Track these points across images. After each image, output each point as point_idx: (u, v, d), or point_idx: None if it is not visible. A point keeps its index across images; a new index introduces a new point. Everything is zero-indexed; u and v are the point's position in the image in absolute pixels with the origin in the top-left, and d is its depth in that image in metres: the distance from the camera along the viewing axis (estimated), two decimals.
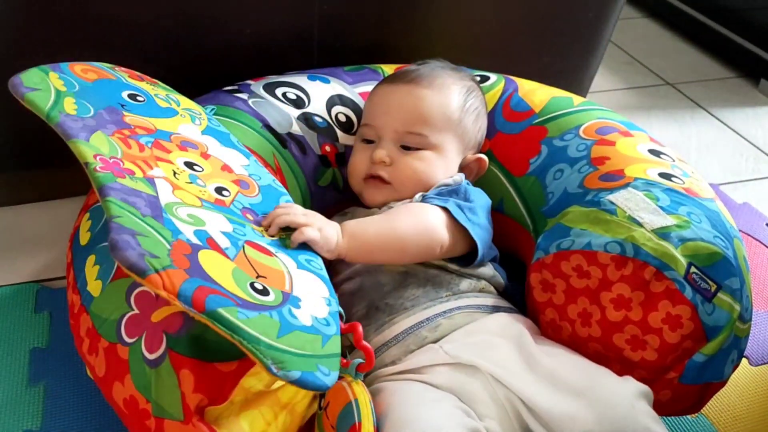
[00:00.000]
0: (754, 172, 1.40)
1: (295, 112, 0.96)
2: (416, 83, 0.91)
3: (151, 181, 0.64)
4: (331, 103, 1.00)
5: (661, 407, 0.74)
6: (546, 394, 0.66)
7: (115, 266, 0.68)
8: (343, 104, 1.01)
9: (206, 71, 1.08)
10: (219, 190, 0.70)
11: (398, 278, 0.80)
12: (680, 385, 0.71)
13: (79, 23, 1.00)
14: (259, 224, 0.70)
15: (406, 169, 0.87)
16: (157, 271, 0.53)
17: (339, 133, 0.99)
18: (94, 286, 0.69)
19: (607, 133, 0.91)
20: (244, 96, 0.95)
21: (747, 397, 0.91)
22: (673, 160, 0.87)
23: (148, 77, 0.85)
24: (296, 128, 0.95)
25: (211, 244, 0.61)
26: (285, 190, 0.79)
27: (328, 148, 0.97)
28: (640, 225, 0.73)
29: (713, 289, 0.70)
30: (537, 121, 0.97)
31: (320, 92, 1.00)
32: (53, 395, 0.83)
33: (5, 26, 0.99)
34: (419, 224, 0.78)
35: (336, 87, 1.02)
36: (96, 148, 0.64)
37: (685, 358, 0.71)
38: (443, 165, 0.89)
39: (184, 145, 0.74)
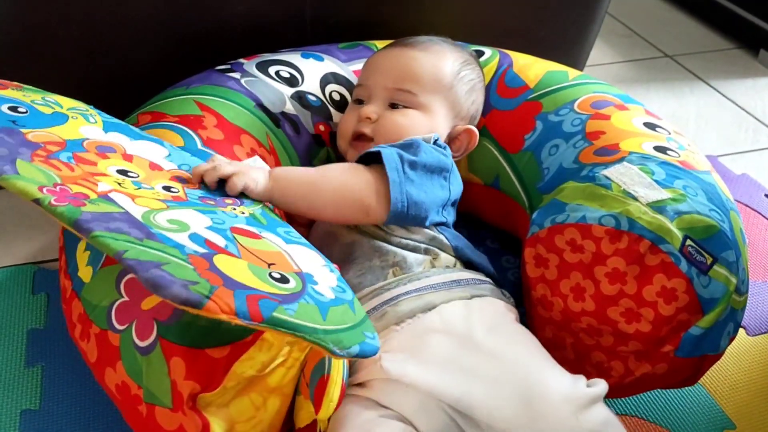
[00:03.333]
0: (753, 143, 1.39)
1: (288, 91, 0.95)
2: (411, 46, 0.91)
3: (108, 199, 0.60)
4: (325, 81, 0.99)
5: (658, 380, 0.74)
6: (483, 400, 0.66)
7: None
8: (337, 82, 1.00)
9: (197, 51, 1.07)
10: (167, 188, 0.68)
11: (346, 249, 0.80)
12: (676, 358, 0.71)
13: (65, 2, 0.99)
14: (224, 206, 0.69)
15: (389, 124, 0.87)
16: (208, 297, 0.51)
17: (333, 111, 0.98)
18: (84, 272, 0.68)
19: (603, 107, 0.90)
20: (236, 75, 0.94)
21: (744, 366, 0.92)
22: (669, 133, 0.86)
23: (9, 82, 0.77)
24: (290, 107, 0.94)
25: (213, 246, 0.59)
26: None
27: (322, 127, 0.96)
28: (636, 199, 0.73)
29: (709, 261, 0.70)
30: (531, 96, 0.97)
31: (314, 70, 0.99)
32: (51, 376, 0.84)
33: None
34: (345, 185, 0.77)
35: (330, 65, 1.01)
36: (33, 180, 0.59)
37: (680, 330, 0.71)
38: (428, 126, 0.88)
39: (102, 150, 0.69)
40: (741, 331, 0.96)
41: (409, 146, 0.81)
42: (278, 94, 0.94)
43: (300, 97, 0.96)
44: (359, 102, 0.91)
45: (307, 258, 0.66)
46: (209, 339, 0.61)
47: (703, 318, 0.70)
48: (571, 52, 1.36)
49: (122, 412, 0.65)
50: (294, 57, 1.01)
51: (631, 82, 1.56)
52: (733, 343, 0.75)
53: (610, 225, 0.71)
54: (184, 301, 0.50)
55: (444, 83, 0.89)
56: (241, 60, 0.99)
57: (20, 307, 0.93)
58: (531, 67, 1.02)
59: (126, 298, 0.64)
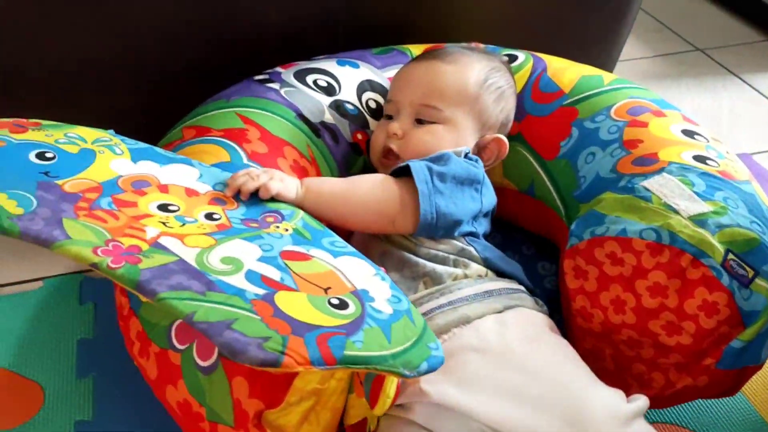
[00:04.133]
0: None
1: (326, 100, 0.96)
2: (439, 59, 0.92)
3: (159, 246, 0.62)
4: (361, 90, 1.00)
5: (699, 392, 0.75)
6: (527, 423, 0.66)
7: None
8: (373, 90, 1.01)
9: (232, 59, 1.09)
10: (209, 216, 0.69)
11: (377, 261, 0.79)
12: (717, 370, 0.72)
13: (100, 9, 1.01)
14: (267, 226, 0.70)
15: (415, 141, 0.88)
16: (284, 353, 0.52)
17: (369, 120, 0.99)
18: (147, 299, 0.70)
19: (639, 114, 0.90)
20: (275, 86, 0.95)
21: None
22: (708, 141, 0.86)
23: (27, 121, 0.78)
24: (329, 117, 0.95)
25: (269, 283, 0.60)
26: None
27: (359, 136, 0.97)
28: (677, 212, 0.73)
29: (750, 275, 0.70)
30: (567, 102, 0.97)
31: (350, 78, 1.01)
32: (102, 387, 0.87)
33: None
34: (372, 198, 0.80)
35: (365, 72, 1.02)
36: (85, 242, 0.60)
37: (722, 343, 0.71)
38: (453, 141, 0.88)
39: (138, 187, 0.71)
40: None
41: (438, 159, 0.82)
42: (317, 104, 0.95)
43: (338, 107, 0.97)
44: (389, 118, 0.93)
45: (358, 270, 0.67)
46: None
47: (745, 331, 0.71)
48: (604, 49, 1.36)
49: (183, 429, 0.67)
50: (330, 65, 1.02)
51: (663, 78, 1.55)
52: None
53: (651, 239, 0.72)
54: (261, 362, 0.51)
55: (469, 95, 0.90)
56: (279, 69, 1.00)
57: (69, 317, 0.96)
58: (565, 72, 1.02)
59: None
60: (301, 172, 0.88)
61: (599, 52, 1.35)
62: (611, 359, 0.79)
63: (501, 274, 0.83)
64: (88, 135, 0.77)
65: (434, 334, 0.72)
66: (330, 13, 1.12)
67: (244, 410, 0.61)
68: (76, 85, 1.07)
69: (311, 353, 0.53)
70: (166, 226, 0.65)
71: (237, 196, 0.74)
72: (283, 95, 0.94)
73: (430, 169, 0.80)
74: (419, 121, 0.89)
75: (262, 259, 0.64)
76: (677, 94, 1.49)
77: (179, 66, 1.10)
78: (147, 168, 0.74)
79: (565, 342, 0.77)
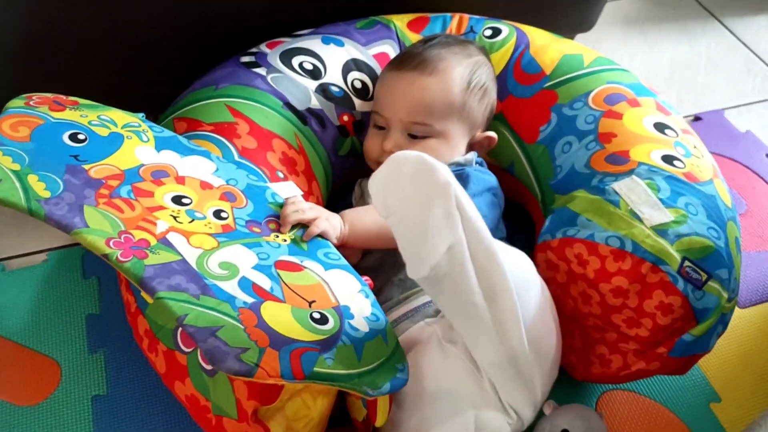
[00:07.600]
0: (761, 93, 1.42)
1: (312, 85, 0.99)
2: (420, 71, 0.93)
3: (166, 243, 0.69)
4: (347, 70, 1.02)
5: (650, 373, 0.84)
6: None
7: None
8: (359, 69, 1.03)
9: (214, 29, 1.09)
10: (217, 214, 0.75)
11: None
12: (669, 357, 0.81)
13: None
14: (268, 233, 0.76)
15: None
16: (257, 365, 0.59)
17: (356, 101, 1.02)
18: (146, 294, 0.76)
19: (615, 103, 0.94)
20: (262, 71, 0.97)
21: (734, 338, 1.00)
22: (677, 135, 0.91)
23: (65, 98, 0.84)
24: (315, 102, 0.98)
25: (259, 292, 0.67)
26: (263, 183, 0.84)
27: (345, 118, 1.01)
28: (641, 221, 0.79)
29: (704, 278, 0.78)
30: (548, 84, 1.00)
31: (335, 58, 1.02)
32: (114, 361, 0.93)
33: None
34: None
35: (350, 50, 1.04)
36: (101, 232, 0.67)
37: (675, 336, 0.79)
38: (448, 150, 0.94)
39: (156, 176, 0.77)
40: None
41: (458, 177, 0.87)
42: (303, 90, 0.98)
43: (324, 90, 0.99)
44: (380, 128, 0.96)
45: (345, 285, 0.74)
46: None
47: (696, 327, 0.79)
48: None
49: (192, 416, 0.75)
50: (315, 43, 1.03)
51: (644, 22, 1.55)
52: None
53: (615, 245, 0.78)
54: (236, 372, 0.59)
55: (456, 105, 0.93)
56: (265, 49, 1.01)
57: (74, 292, 1.01)
58: (547, 50, 1.04)
59: None
60: (290, 164, 0.92)
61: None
62: (579, 338, 0.87)
63: None
64: (119, 119, 0.82)
65: None
66: None
67: (244, 408, 0.69)
68: (68, 60, 1.07)
69: (282, 367, 0.60)
70: (176, 220, 0.72)
71: (246, 192, 0.79)
72: (270, 83, 0.96)
73: None
74: (412, 135, 0.93)
75: (257, 267, 0.70)
76: (657, 42, 1.50)
77: (168, 39, 1.10)
78: (168, 158, 0.80)
79: None
